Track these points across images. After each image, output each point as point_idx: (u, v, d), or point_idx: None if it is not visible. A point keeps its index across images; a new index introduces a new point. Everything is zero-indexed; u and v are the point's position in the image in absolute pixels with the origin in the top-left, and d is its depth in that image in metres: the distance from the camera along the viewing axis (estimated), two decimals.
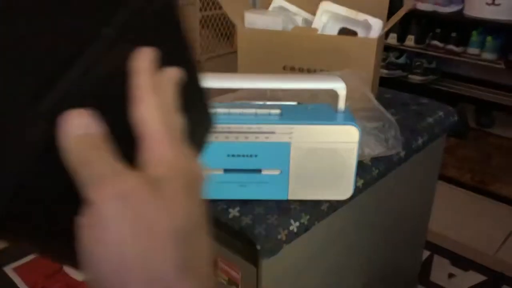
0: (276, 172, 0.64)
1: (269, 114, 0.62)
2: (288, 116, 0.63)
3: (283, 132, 0.61)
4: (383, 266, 1.04)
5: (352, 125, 0.61)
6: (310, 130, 0.61)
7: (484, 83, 2.57)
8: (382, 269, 1.04)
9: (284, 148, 0.62)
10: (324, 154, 0.62)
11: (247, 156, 0.62)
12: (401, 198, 1.00)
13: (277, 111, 0.63)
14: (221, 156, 0.62)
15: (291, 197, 0.66)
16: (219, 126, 0.60)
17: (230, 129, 0.60)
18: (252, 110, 0.62)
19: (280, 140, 0.61)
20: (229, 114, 0.62)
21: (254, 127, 0.60)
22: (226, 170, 0.64)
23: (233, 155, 0.62)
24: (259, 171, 0.64)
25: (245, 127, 0.60)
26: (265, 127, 0.60)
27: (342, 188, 0.65)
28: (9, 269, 1.55)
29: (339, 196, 0.66)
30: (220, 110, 0.62)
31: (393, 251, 1.07)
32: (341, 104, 0.64)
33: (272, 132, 0.61)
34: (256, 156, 0.62)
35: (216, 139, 0.61)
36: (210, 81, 0.62)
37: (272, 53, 0.97)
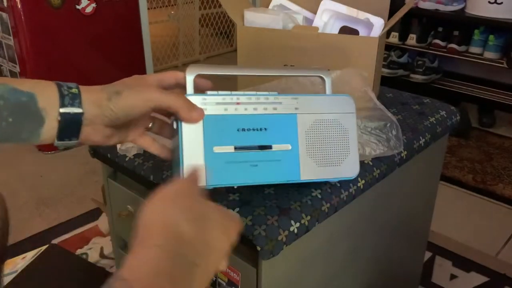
0: (287, 148, 0.64)
1: (268, 94, 0.65)
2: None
3: (289, 102, 0.64)
4: (384, 267, 1.03)
5: (346, 96, 0.67)
6: (312, 100, 0.65)
7: (486, 82, 2.56)
8: (384, 270, 1.04)
9: (291, 121, 0.64)
10: (328, 125, 0.66)
11: (257, 130, 0.63)
12: (402, 199, 0.99)
13: (275, 93, 0.65)
14: (231, 131, 0.62)
15: (303, 177, 0.65)
16: (229, 98, 0.62)
17: (239, 100, 0.62)
18: (252, 93, 0.64)
19: (287, 112, 0.64)
20: (231, 93, 0.63)
21: (262, 97, 0.63)
22: (237, 148, 0.62)
23: (243, 129, 0.62)
24: (269, 147, 0.63)
25: (253, 98, 0.63)
26: (272, 98, 0.64)
27: (349, 164, 0.66)
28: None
29: (348, 174, 0.67)
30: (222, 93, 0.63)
31: (394, 252, 1.07)
32: (328, 90, 0.68)
33: (279, 103, 0.63)
34: (265, 129, 0.63)
35: (226, 111, 0.61)
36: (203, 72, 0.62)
37: (272, 52, 0.96)
